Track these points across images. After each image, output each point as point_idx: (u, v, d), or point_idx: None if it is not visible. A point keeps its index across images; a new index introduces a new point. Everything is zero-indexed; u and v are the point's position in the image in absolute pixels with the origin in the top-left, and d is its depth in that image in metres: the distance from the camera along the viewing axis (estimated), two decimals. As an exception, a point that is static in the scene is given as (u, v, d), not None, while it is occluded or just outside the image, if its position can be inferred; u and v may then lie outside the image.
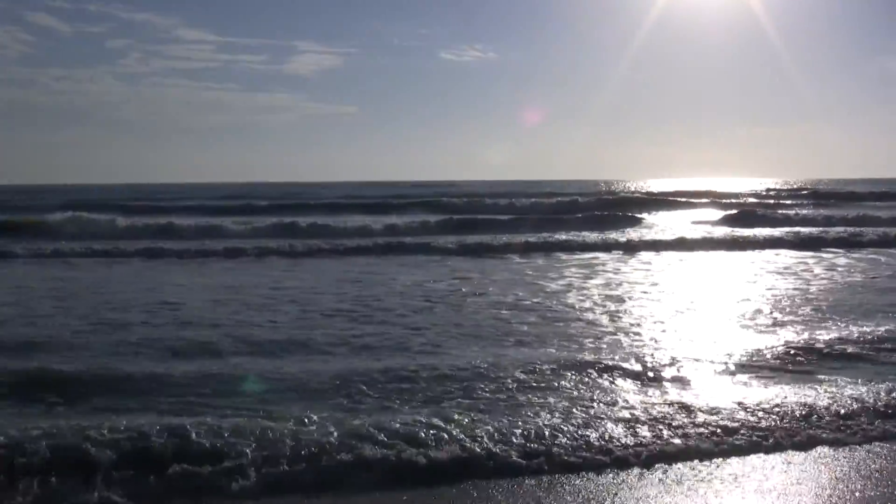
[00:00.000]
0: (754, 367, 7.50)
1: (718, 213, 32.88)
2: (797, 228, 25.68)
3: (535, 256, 18.76)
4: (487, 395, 6.53)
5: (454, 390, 6.66)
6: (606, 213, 30.92)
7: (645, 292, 12.35)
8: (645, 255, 18.70)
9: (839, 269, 15.56)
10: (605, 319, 9.90)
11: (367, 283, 13.58)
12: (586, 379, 6.98)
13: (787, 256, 18.26)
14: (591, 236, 23.07)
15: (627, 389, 6.71)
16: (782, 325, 9.49)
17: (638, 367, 7.34)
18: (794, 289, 12.61)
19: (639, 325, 9.55)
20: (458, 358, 7.71)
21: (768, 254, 19.06)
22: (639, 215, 31.39)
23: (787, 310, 10.59)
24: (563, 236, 23.12)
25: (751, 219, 29.50)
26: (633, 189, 74.20)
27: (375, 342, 8.56)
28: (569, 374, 7.09)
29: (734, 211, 32.57)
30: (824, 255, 18.28)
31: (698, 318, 10.09)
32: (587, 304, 11.17)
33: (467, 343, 8.56)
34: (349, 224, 27.11)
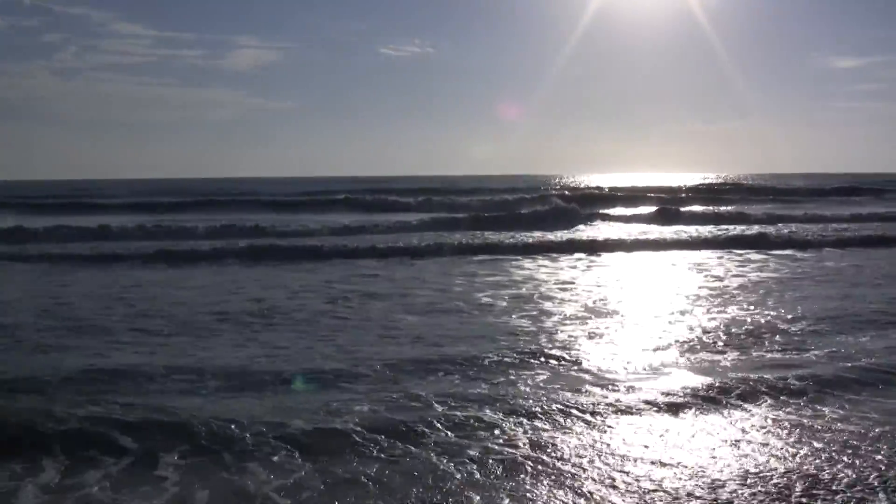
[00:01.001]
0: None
1: (643, 210, 32.06)
2: (709, 227, 25.05)
3: (439, 257, 17.63)
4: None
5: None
6: (526, 212, 29.36)
7: (514, 297, 11.09)
8: (558, 258, 17.43)
9: (741, 271, 14.61)
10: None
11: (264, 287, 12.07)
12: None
13: (698, 256, 17.30)
14: (496, 237, 21.59)
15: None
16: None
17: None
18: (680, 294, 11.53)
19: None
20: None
21: (680, 254, 18.04)
22: (564, 210, 30.22)
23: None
24: (469, 237, 21.75)
25: (671, 216, 28.74)
26: (570, 184, 73.50)
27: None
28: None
29: (654, 208, 31.61)
30: (734, 256, 17.34)
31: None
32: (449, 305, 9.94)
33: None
34: (261, 223, 24.92)
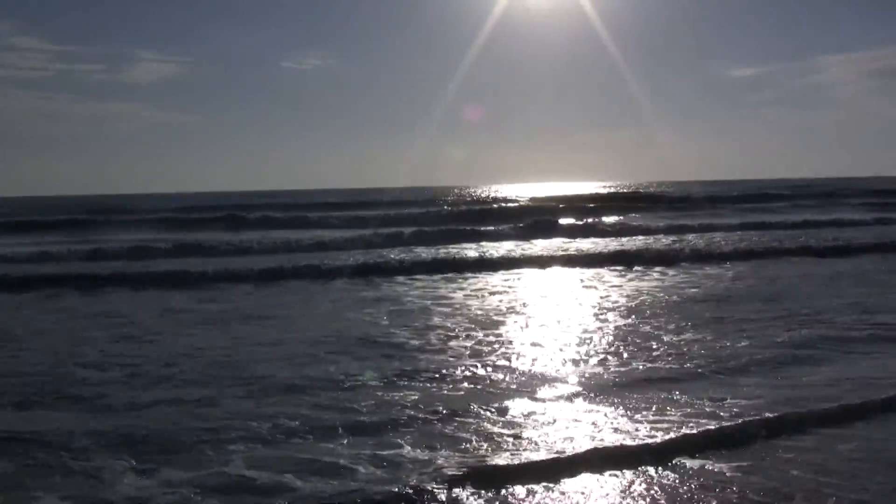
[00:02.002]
0: None
1: (523, 223, 30.33)
2: (589, 240, 23.97)
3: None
4: None
5: None
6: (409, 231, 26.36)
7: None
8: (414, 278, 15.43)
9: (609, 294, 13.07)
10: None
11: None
12: None
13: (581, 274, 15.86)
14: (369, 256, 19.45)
15: None
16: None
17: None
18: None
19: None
20: None
21: (550, 272, 16.53)
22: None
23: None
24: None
25: (549, 228, 27.41)
26: (464, 196, 72.35)
27: None
28: None
29: (531, 220, 30.00)
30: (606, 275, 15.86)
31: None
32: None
33: None
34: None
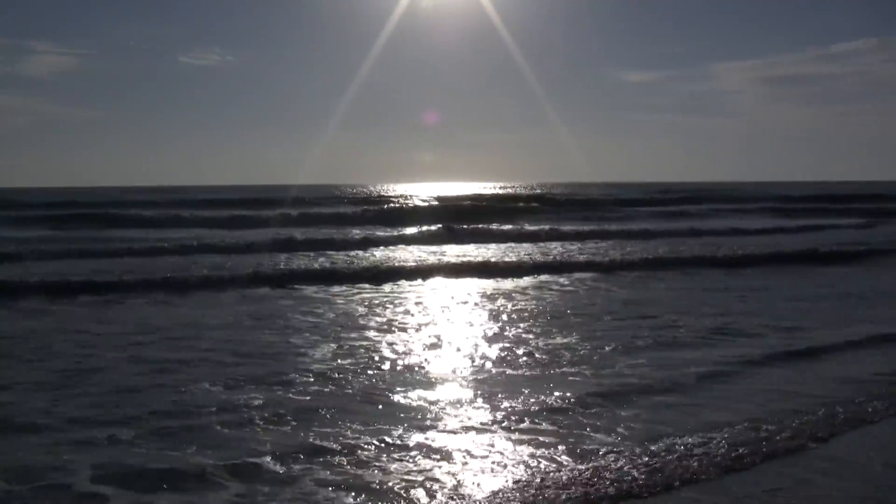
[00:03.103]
0: None
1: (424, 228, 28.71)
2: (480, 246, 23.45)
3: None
4: None
5: None
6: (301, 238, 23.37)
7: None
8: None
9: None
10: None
11: None
12: None
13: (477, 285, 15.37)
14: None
15: None
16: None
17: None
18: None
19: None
20: None
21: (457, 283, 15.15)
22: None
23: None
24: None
25: (456, 235, 25.52)
26: (368, 194, 71.59)
27: None
28: None
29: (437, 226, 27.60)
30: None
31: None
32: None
33: None
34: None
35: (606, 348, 8.98)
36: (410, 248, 22.42)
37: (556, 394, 7.06)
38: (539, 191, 76.94)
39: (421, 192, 73.57)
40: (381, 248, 22.17)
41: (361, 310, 11.87)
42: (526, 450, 5.70)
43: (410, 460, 5.49)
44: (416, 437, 5.93)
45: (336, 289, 14.10)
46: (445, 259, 19.02)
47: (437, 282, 15.35)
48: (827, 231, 30.12)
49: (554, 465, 5.40)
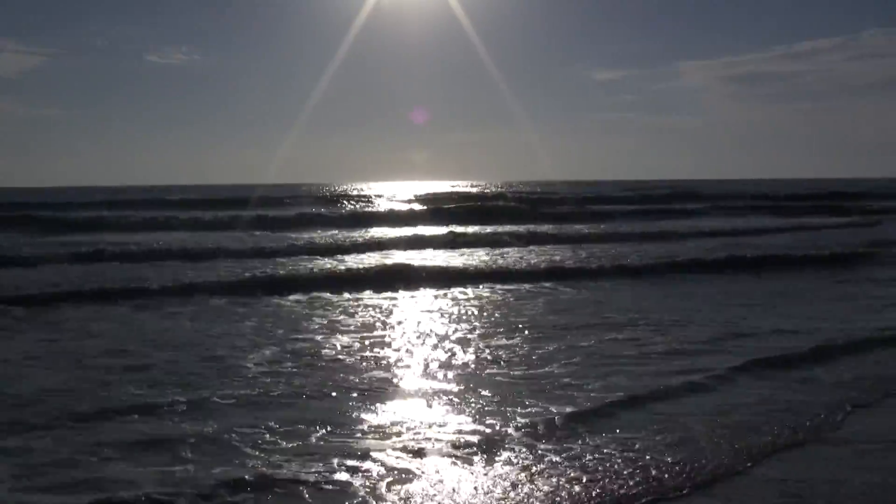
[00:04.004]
0: None
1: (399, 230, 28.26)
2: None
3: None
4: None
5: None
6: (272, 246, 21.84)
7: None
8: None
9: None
10: None
11: None
12: None
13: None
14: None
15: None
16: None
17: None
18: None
19: None
20: None
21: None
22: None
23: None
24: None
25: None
26: (335, 192, 70.67)
27: None
28: None
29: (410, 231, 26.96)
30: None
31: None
32: None
33: None
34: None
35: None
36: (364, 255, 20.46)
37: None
38: (503, 189, 76.82)
39: (385, 191, 72.96)
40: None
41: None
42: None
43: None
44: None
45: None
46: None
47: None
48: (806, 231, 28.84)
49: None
